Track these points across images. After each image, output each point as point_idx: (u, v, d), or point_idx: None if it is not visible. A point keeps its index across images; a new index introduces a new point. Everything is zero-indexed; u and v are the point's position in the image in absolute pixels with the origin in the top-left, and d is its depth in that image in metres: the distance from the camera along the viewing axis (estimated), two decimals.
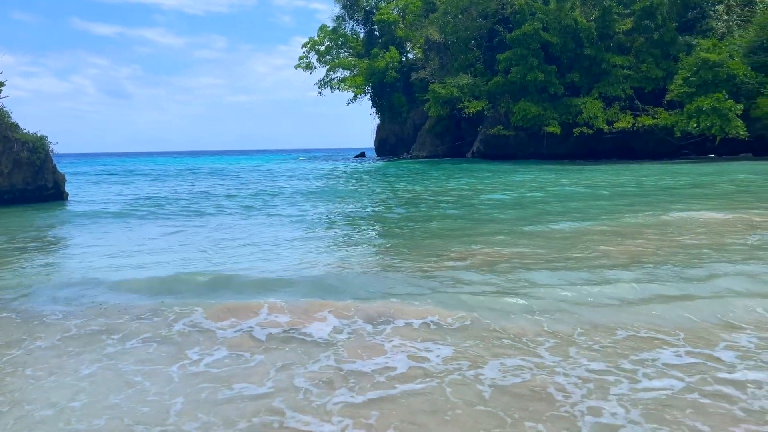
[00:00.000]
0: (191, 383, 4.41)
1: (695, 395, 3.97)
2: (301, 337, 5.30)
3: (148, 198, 21.98)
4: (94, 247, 10.87)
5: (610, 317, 5.63)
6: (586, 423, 3.64)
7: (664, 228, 11.22)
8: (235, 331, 5.48)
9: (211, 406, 4.04)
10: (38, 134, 19.64)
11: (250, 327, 5.58)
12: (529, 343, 4.99)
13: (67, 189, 21.50)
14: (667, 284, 6.77)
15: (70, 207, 19.04)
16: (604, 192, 20.00)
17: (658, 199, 17.16)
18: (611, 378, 4.27)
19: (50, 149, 19.91)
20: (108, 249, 10.59)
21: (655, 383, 4.17)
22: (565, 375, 4.34)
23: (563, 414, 3.77)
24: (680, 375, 4.29)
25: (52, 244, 11.81)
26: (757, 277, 6.97)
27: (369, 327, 5.49)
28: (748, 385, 4.11)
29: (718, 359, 4.59)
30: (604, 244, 9.57)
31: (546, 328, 5.35)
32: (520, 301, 6.17)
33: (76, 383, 4.43)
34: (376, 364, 4.64)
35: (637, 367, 4.45)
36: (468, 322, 5.51)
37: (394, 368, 4.54)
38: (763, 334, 5.11)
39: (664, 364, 4.51)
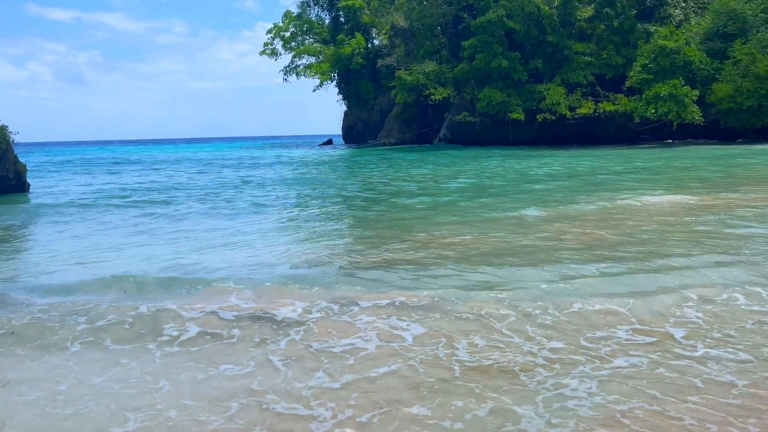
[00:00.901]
0: (173, 361, 4.63)
1: (656, 369, 4.32)
2: (270, 317, 5.53)
3: (111, 188, 21.76)
4: (57, 241, 10.86)
5: (568, 297, 6.00)
6: (547, 395, 3.98)
7: (612, 211, 11.76)
8: (204, 314, 5.66)
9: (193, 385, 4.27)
10: None
11: (216, 311, 5.75)
12: (493, 321, 5.33)
13: (28, 179, 21.13)
14: (617, 265, 7.22)
15: (33, 199, 18.77)
16: (562, 179, 20.61)
17: (607, 184, 17.83)
18: (573, 355, 4.59)
19: (11, 139, 19.53)
20: (72, 243, 10.58)
21: (617, 360, 4.48)
22: (531, 353, 4.64)
23: (528, 388, 4.07)
24: (638, 352, 4.63)
25: (16, 239, 11.75)
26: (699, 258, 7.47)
27: (336, 307, 5.75)
28: (703, 360, 4.48)
29: (671, 336, 4.95)
30: (560, 228, 10.02)
31: (508, 307, 5.69)
32: (481, 282, 6.52)
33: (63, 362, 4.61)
34: (348, 344, 4.93)
35: (596, 345, 4.80)
36: (432, 303, 5.81)
37: (365, 349, 4.83)
38: (702, 314, 5.56)
39: (622, 342, 4.84)
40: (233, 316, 5.58)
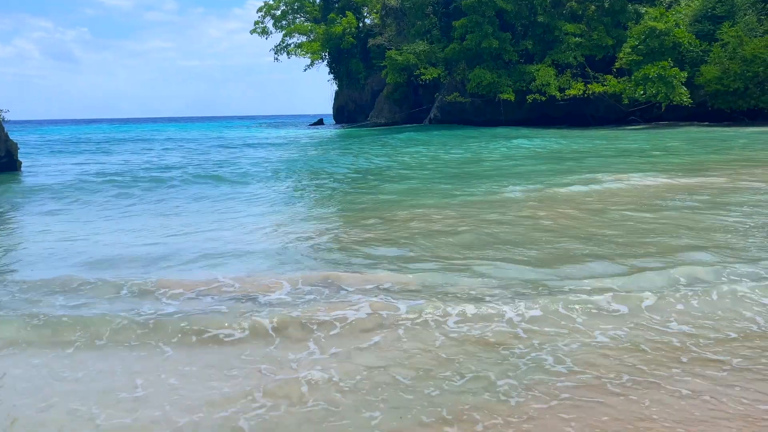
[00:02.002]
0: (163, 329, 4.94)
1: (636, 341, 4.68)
2: (255, 298, 5.80)
3: (103, 168, 21.87)
4: (50, 223, 11.10)
5: (544, 275, 6.36)
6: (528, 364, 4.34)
7: (588, 194, 12.16)
8: (187, 298, 5.79)
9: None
10: None
11: (202, 293, 5.93)
12: (478, 296, 5.68)
13: (19, 158, 21.21)
14: (593, 247, 7.60)
15: (25, 178, 18.89)
16: (541, 160, 20.97)
17: (586, 163, 18.23)
18: (550, 329, 4.90)
19: (1, 117, 19.59)
20: (64, 224, 10.81)
21: (597, 334, 4.81)
22: (512, 325, 4.95)
23: (510, 361, 4.40)
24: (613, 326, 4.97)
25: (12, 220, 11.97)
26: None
27: (326, 291, 6.03)
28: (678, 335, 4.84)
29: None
30: (537, 209, 10.39)
31: (487, 284, 6.05)
32: (463, 264, 6.88)
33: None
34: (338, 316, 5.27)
35: (573, 315, 5.15)
36: (417, 282, 6.09)
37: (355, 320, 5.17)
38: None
39: (599, 314, 5.19)
40: (218, 298, 5.70)
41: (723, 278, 5.92)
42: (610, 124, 45.99)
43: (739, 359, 4.25)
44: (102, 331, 4.88)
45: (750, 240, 7.53)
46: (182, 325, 4.94)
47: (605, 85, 45.54)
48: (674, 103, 42.33)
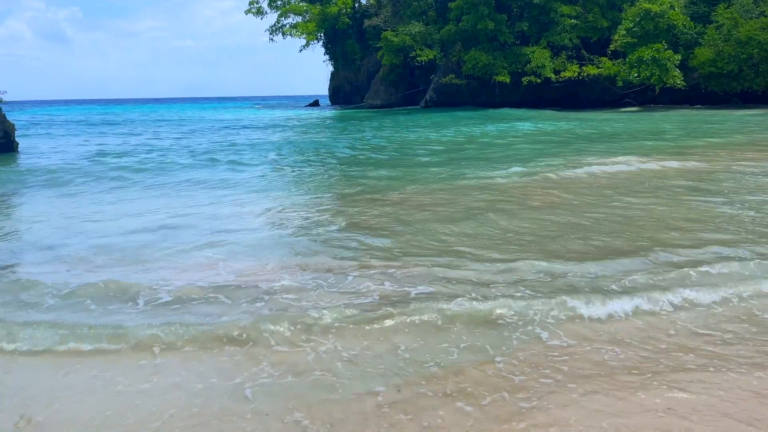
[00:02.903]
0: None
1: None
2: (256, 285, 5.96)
3: (100, 148, 22.04)
4: (51, 204, 11.35)
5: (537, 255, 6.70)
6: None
7: (574, 177, 12.49)
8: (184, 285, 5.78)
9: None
10: None
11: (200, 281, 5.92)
12: (482, 282, 6.01)
13: (16, 139, 21.35)
14: (575, 227, 7.93)
15: (23, 159, 19.05)
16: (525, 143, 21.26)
17: (574, 146, 18.53)
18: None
19: None
20: (65, 206, 11.08)
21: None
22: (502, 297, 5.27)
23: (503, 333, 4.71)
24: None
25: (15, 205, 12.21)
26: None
27: (331, 278, 6.22)
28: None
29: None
30: (527, 192, 10.71)
31: (491, 270, 6.38)
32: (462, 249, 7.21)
33: None
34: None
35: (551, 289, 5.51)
36: (416, 268, 6.27)
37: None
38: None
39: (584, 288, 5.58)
40: (217, 285, 5.69)
41: None
42: (604, 107, 46.23)
43: None
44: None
45: None
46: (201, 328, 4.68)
47: (600, 68, 45.68)
48: (668, 85, 42.55)
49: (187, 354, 4.27)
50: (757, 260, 5.95)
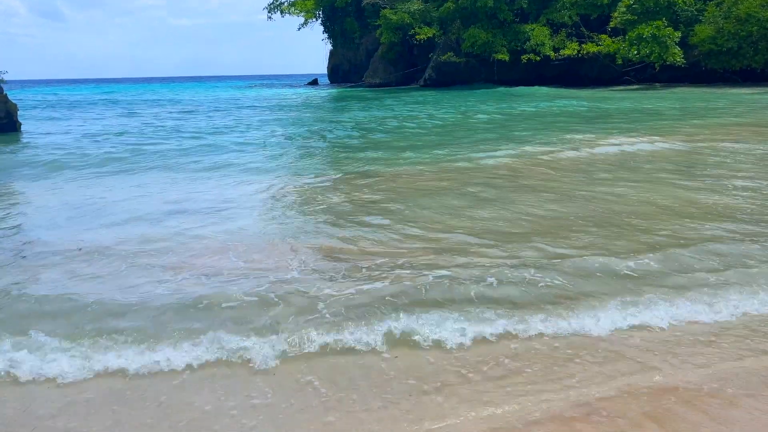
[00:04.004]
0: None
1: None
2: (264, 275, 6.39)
3: (102, 129, 22.20)
4: (56, 185, 11.60)
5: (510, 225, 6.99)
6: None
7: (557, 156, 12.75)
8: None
9: None
10: None
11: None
12: (462, 247, 6.31)
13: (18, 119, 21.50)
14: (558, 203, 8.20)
15: (26, 139, 19.22)
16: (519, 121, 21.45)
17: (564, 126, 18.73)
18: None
19: (1, 78, 19.84)
20: (68, 191, 11.32)
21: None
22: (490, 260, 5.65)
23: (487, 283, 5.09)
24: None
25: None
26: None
27: (337, 265, 6.64)
28: None
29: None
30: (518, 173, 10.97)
31: (466, 235, 6.67)
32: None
33: None
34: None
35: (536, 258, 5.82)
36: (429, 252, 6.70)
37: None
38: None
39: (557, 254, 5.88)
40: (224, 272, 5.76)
41: None
42: (604, 85, 46.15)
43: None
44: None
45: None
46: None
47: (599, 45, 45.51)
48: (667, 63, 42.45)
49: None
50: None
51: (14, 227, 7.56)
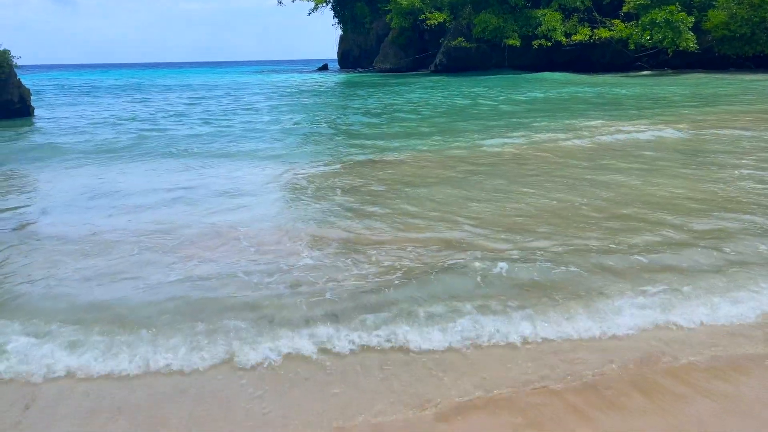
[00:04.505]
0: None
1: None
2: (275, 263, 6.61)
3: (114, 114, 22.43)
4: (69, 170, 11.83)
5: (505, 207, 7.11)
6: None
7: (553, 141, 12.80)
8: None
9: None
10: (0, 48, 19.72)
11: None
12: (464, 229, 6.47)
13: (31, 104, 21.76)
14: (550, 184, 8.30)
15: (39, 123, 19.47)
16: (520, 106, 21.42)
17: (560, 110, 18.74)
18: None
19: (14, 63, 20.06)
20: (82, 176, 11.56)
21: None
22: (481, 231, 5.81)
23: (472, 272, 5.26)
24: None
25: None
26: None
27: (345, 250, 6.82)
28: None
29: None
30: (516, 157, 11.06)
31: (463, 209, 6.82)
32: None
33: None
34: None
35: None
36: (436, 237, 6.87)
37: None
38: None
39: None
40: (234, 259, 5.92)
41: None
42: (616, 71, 45.75)
43: None
44: None
45: None
46: None
47: (612, 30, 45.04)
48: (681, 48, 41.99)
49: None
50: None
51: (27, 211, 7.79)
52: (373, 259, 5.55)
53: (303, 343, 4.06)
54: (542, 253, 5.55)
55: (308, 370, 3.76)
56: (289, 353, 3.95)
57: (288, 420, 3.30)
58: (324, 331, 4.19)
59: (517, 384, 3.56)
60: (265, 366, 3.82)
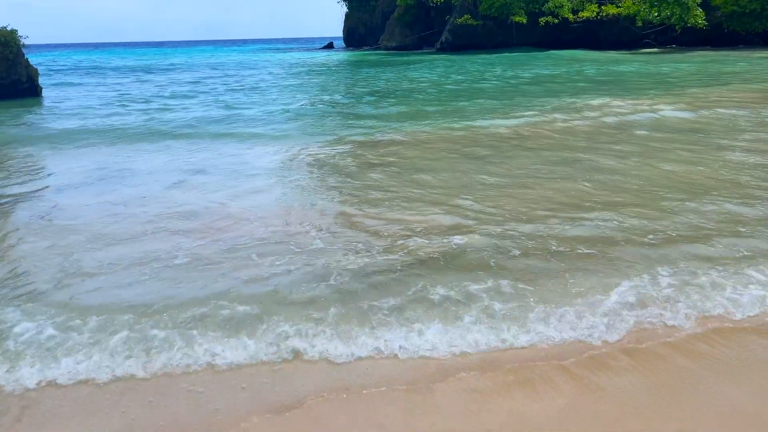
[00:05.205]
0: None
1: None
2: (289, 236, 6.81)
3: (122, 94, 22.53)
4: (80, 149, 11.99)
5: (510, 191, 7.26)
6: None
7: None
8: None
9: None
10: (7, 28, 19.80)
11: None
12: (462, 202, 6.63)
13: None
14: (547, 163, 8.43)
15: (48, 103, 19.61)
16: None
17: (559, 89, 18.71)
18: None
19: (21, 43, 20.15)
20: (93, 156, 11.72)
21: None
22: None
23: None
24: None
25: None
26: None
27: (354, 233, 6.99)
28: None
29: None
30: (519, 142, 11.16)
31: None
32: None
33: None
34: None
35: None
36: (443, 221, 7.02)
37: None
38: None
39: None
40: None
41: None
42: (623, 48, 45.35)
43: None
44: None
45: None
46: None
47: (619, 7, 44.59)
48: (689, 25, 41.55)
49: None
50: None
51: (39, 191, 7.97)
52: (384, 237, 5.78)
53: None
54: (555, 239, 5.73)
55: None
56: None
57: None
58: None
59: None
60: None
